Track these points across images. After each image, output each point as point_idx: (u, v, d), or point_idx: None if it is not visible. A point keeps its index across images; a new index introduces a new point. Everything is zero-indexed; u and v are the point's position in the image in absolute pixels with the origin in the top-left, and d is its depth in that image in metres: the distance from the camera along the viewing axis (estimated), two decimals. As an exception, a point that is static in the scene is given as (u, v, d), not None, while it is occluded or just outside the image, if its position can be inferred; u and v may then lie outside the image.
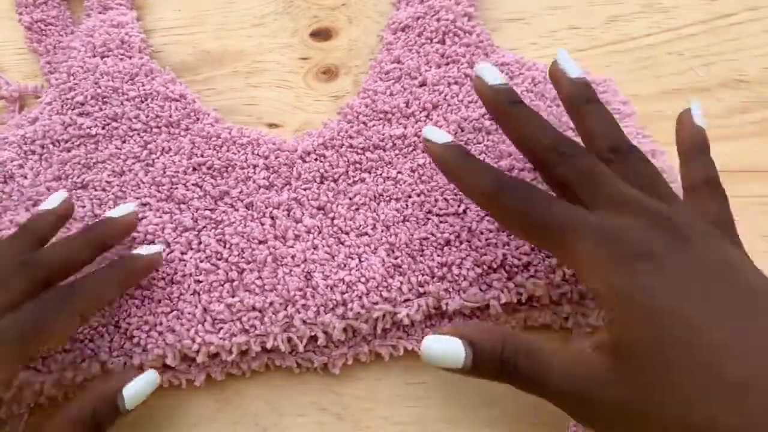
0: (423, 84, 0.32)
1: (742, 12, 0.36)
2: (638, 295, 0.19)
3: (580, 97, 0.26)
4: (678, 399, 0.18)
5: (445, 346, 0.22)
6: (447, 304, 0.27)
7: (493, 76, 0.26)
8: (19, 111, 0.35)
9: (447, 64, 0.33)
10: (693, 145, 0.26)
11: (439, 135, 0.25)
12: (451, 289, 0.27)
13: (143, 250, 0.27)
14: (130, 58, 0.34)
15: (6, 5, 0.38)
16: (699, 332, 0.18)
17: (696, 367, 0.18)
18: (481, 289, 0.27)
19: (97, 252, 0.27)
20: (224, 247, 0.28)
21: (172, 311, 0.27)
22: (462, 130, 0.31)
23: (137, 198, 0.30)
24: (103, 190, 0.30)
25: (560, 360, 0.21)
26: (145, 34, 0.36)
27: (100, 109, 0.32)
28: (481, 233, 0.28)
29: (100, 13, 0.36)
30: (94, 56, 0.33)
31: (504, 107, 0.25)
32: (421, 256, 0.28)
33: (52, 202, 0.28)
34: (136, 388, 0.24)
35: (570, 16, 0.36)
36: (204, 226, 0.29)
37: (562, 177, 0.23)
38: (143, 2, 0.38)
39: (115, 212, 0.28)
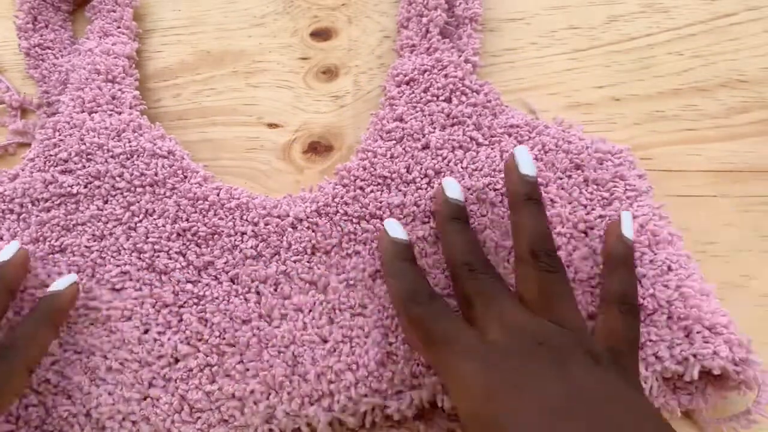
0: (426, 147, 0.30)
1: (742, 12, 0.36)
2: (502, 426, 0.19)
3: (522, 194, 0.25)
4: None
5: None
6: (443, 400, 0.25)
7: (453, 190, 0.28)
8: (20, 117, 0.35)
9: (452, 125, 0.31)
10: (617, 258, 0.26)
11: (395, 230, 0.27)
12: None
13: (59, 285, 0.27)
14: (120, 114, 0.32)
15: (6, 5, 0.38)
16: None
17: None
18: None
19: (8, 298, 0.27)
20: (205, 326, 0.27)
21: (145, 398, 0.26)
22: (465, 201, 0.29)
23: (117, 265, 0.29)
24: (82, 255, 0.29)
25: None
26: (146, 32, 0.36)
27: (83, 167, 0.30)
28: None
29: (100, 37, 0.35)
30: (83, 111, 0.32)
31: (442, 221, 0.27)
32: None
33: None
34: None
35: (570, 16, 0.36)
36: (185, 302, 0.28)
37: (467, 292, 0.24)
38: (143, 2, 0.38)
39: (4, 255, 0.27)
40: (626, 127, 0.33)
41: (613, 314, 0.24)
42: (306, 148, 0.34)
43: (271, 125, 0.34)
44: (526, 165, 0.25)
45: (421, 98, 0.32)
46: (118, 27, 0.35)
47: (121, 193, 0.30)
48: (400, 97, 0.32)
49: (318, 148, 0.34)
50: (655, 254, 0.27)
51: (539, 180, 0.29)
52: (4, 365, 0.24)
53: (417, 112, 0.31)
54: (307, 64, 0.36)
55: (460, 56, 0.33)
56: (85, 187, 0.30)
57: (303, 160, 0.33)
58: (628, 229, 0.26)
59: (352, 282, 0.28)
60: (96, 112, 0.32)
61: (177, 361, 0.26)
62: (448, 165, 0.30)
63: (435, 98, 0.32)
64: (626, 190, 0.29)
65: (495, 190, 0.29)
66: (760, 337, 0.25)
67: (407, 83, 0.32)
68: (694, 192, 0.31)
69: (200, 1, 0.38)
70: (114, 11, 0.36)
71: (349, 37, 0.37)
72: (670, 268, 0.27)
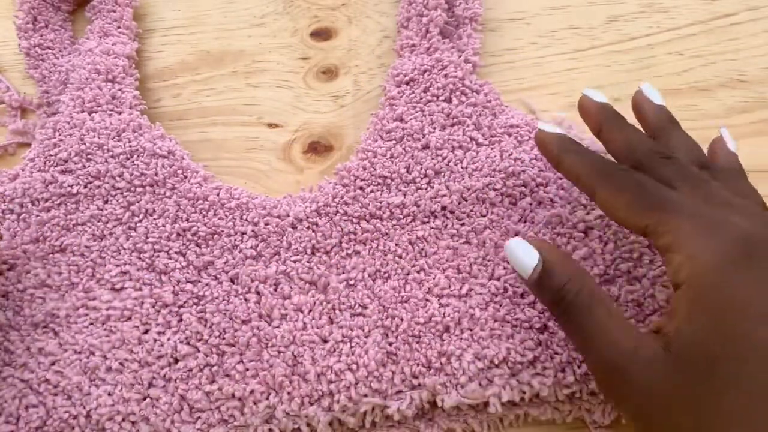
0: (426, 147, 0.30)
1: (742, 12, 0.36)
2: (728, 290, 0.19)
3: (663, 120, 0.27)
4: (726, 418, 0.17)
5: (524, 255, 0.23)
6: (443, 400, 0.25)
7: (598, 96, 0.27)
8: (20, 117, 0.35)
9: (452, 125, 0.31)
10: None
11: (550, 127, 0.26)
12: (448, 383, 0.25)
13: None
14: (120, 113, 0.32)
15: (6, 5, 0.38)
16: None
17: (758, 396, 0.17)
18: (481, 385, 0.25)
19: None
20: (205, 326, 0.27)
21: (145, 398, 0.26)
22: (465, 200, 0.29)
23: (117, 265, 0.29)
24: (82, 255, 0.29)
25: (613, 325, 0.21)
26: (146, 32, 0.36)
27: (83, 167, 0.30)
28: (485, 321, 0.26)
29: (100, 37, 0.35)
30: (83, 111, 0.32)
31: (604, 121, 0.27)
32: (417, 343, 0.26)
33: None
34: None
35: (570, 16, 0.36)
36: (185, 302, 0.27)
37: (667, 177, 0.23)
38: (143, 2, 0.38)
39: None
40: (626, 127, 0.33)
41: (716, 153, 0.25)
42: (306, 148, 0.34)
43: (271, 125, 0.34)
44: (656, 98, 0.28)
45: (421, 98, 0.32)
46: (118, 27, 0.35)
47: (121, 193, 0.30)
48: (400, 97, 0.32)
49: (318, 148, 0.34)
50: (655, 254, 0.27)
51: (539, 180, 0.29)
52: None
53: (417, 112, 0.31)
54: (307, 64, 0.36)
55: (460, 56, 0.33)
56: (85, 187, 0.30)
57: (303, 160, 0.33)
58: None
59: (352, 282, 0.28)
60: (96, 112, 0.32)
61: (177, 361, 0.26)
62: (448, 165, 0.30)
63: (435, 98, 0.32)
64: None
65: (495, 190, 0.29)
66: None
67: (407, 83, 0.32)
68: (694, 192, 0.31)
69: (200, 1, 0.38)
70: (114, 11, 0.36)
71: (349, 37, 0.37)
72: None
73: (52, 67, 0.35)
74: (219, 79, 0.36)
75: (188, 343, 0.27)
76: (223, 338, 0.27)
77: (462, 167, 0.30)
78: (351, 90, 0.35)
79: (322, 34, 0.37)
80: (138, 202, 0.30)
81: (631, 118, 0.33)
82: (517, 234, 0.28)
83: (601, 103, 0.27)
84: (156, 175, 0.30)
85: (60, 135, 0.31)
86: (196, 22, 0.38)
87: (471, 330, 0.26)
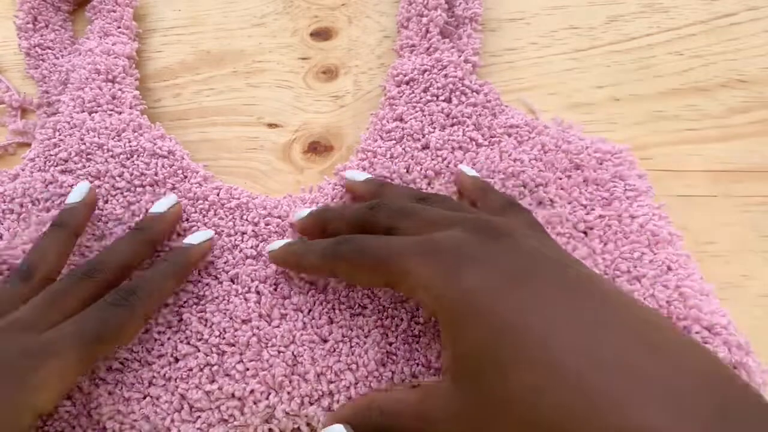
0: (426, 147, 0.31)
1: (742, 12, 0.36)
2: (467, 302, 0.19)
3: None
4: (516, 399, 0.17)
5: None
6: None
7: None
8: (20, 117, 0.35)
9: (452, 125, 0.31)
10: (477, 189, 0.28)
11: (277, 243, 0.27)
12: None
13: (193, 239, 0.27)
14: (120, 113, 0.32)
15: (6, 5, 0.38)
16: (525, 329, 0.18)
17: (525, 363, 0.18)
18: None
19: (151, 250, 0.27)
20: (205, 326, 0.27)
21: (145, 397, 0.26)
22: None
23: None
24: (82, 255, 0.29)
25: (410, 404, 0.21)
26: (146, 32, 0.36)
27: (84, 167, 0.31)
28: None
29: (101, 37, 0.35)
30: (83, 111, 0.32)
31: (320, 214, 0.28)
32: (417, 343, 0.26)
33: (79, 193, 0.28)
34: None
35: (570, 16, 0.36)
36: (185, 302, 0.27)
37: (383, 224, 0.24)
38: (143, 2, 0.38)
39: (159, 207, 0.28)
40: (626, 127, 0.33)
41: (512, 217, 0.25)
42: (306, 148, 0.34)
43: (271, 125, 0.34)
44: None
45: (421, 98, 0.32)
46: (118, 27, 0.35)
47: (121, 193, 0.30)
48: (400, 97, 0.32)
49: (318, 148, 0.34)
50: (655, 254, 0.27)
51: (539, 180, 0.29)
52: (125, 311, 0.24)
53: (417, 112, 0.31)
54: (307, 64, 0.36)
55: (460, 56, 0.33)
56: None
57: (303, 160, 0.33)
58: (469, 170, 0.29)
59: (351, 284, 0.28)
60: (96, 112, 0.32)
61: (177, 360, 0.26)
62: (447, 166, 0.30)
63: (435, 98, 0.32)
64: (626, 189, 0.29)
65: None
66: (760, 337, 0.25)
67: (407, 83, 0.32)
68: (694, 192, 0.31)
69: (200, 1, 0.38)
70: (114, 11, 0.36)
71: (349, 37, 0.37)
72: (669, 268, 0.27)
73: (52, 67, 0.36)
74: (219, 79, 0.36)
75: (188, 343, 0.27)
76: (223, 338, 0.27)
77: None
78: (351, 90, 0.35)
79: (322, 34, 0.37)
80: (138, 201, 0.30)
81: (630, 117, 0.33)
82: None
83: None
84: (156, 175, 0.30)
85: (60, 135, 0.31)
86: (196, 22, 0.38)
87: None
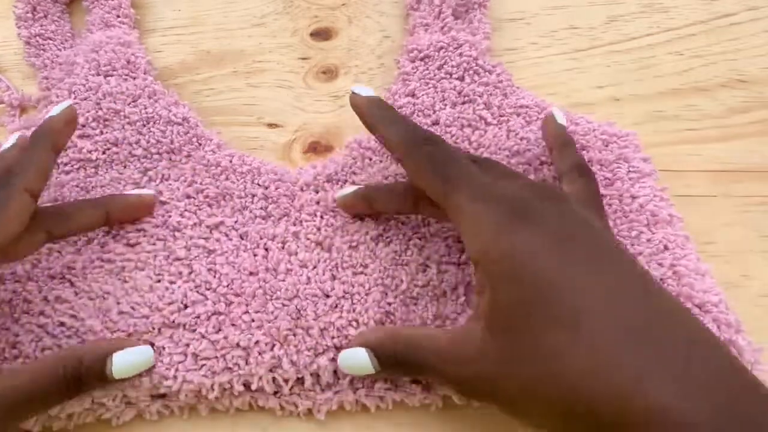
0: (436, 123, 0.31)
1: (742, 12, 0.36)
2: (514, 259, 0.20)
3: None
4: (541, 356, 0.19)
5: (358, 361, 0.24)
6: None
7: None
8: (19, 116, 0.35)
9: (463, 103, 0.32)
10: (558, 139, 0.29)
11: (366, 90, 0.27)
12: None
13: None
14: (134, 78, 0.33)
15: (6, 4, 0.38)
16: (558, 294, 0.19)
17: (553, 325, 0.19)
18: None
19: (52, 154, 0.26)
20: (214, 276, 0.28)
21: (151, 345, 0.26)
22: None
23: (132, 223, 0.29)
24: None
25: (438, 345, 0.22)
26: (146, 32, 0.36)
27: (101, 133, 0.31)
28: None
29: (101, 29, 0.35)
30: (98, 74, 0.33)
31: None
32: (415, 305, 0.27)
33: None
34: (128, 358, 0.24)
35: (570, 16, 0.36)
36: (196, 256, 0.28)
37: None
38: (143, 2, 0.38)
39: (54, 111, 0.27)
40: (626, 127, 0.33)
41: (573, 180, 0.26)
42: (306, 148, 0.34)
43: (271, 125, 0.34)
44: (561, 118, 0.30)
45: (435, 75, 0.32)
46: (117, 15, 0.36)
47: (138, 160, 0.31)
48: (414, 72, 0.33)
49: (318, 148, 0.34)
50: (653, 233, 0.28)
51: (543, 159, 0.30)
52: (5, 190, 0.24)
53: (429, 88, 0.32)
54: (307, 64, 0.36)
55: (475, 36, 0.34)
56: (104, 153, 0.31)
57: (303, 160, 0.33)
58: (561, 119, 0.29)
59: (355, 243, 0.28)
60: (112, 76, 0.33)
61: (186, 307, 0.27)
62: (455, 143, 0.31)
63: (449, 76, 0.32)
64: (629, 171, 0.30)
65: None
66: (760, 337, 0.25)
67: (422, 59, 0.33)
68: (694, 192, 0.31)
69: (200, 1, 0.38)
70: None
71: (349, 37, 0.37)
72: (666, 247, 0.27)
73: (54, 58, 0.35)
74: (219, 79, 0.36)
75: (198, 291, 0.27)
76: (231, 288, 0.27)
77: (468, 144, 0.31)
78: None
79: (322, 34, 0.37)
80: (155, 168, 0.31)
81: (630, 117, 0.33)
82: None
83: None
84: (172, 143, 0.31)
85: (76, 98, 0.32)
86: (196, 22, 0.38)
87: (466, 296, 0.27)
